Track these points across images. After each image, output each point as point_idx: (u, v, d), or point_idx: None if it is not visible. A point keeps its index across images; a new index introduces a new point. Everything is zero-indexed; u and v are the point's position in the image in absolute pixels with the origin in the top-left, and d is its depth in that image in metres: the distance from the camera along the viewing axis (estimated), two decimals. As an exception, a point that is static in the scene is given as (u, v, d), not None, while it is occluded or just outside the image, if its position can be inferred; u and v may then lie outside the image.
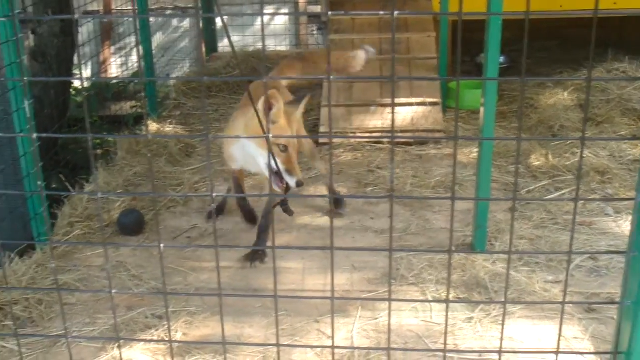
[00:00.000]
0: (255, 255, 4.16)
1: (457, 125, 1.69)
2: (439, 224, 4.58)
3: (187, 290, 3.95)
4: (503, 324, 1.74)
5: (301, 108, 4.05)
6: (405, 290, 3.85)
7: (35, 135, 1.73)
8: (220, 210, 4.76)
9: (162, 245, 1.79)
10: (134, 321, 3.66)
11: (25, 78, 1.58)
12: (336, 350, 3.31)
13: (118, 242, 4.46)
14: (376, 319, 3.62)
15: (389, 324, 1.75)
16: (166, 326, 3.61)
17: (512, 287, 3.79)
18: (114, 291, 1.83)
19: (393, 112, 1.71)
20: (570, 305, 3.66)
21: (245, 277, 4.05)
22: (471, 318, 3.56)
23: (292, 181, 3.77)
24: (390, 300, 1.76)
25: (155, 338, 3.52)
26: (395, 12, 1.55)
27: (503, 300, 1.75)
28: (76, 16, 1.63)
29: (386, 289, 3.88)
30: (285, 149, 3.78)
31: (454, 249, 4.23)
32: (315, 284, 3.97)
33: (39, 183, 3.90)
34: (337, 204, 4.76)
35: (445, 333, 1.71)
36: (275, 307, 1.73)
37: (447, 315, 1.66)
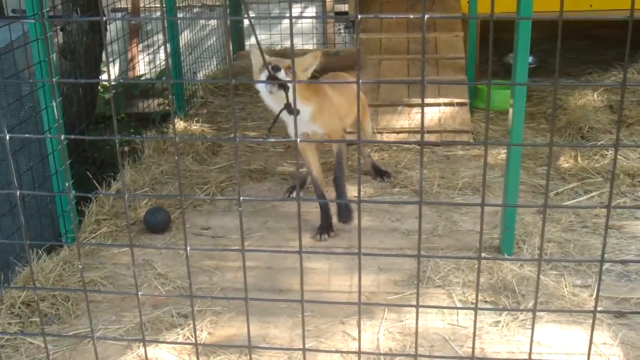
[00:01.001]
0: (345, 212, 4.51)
1: (488, 129, 1.66)
2: (465, 225, 4.55)
3: (212, 290, 3.95)
4: (532, 331, 1.71)
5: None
6: (431, 292, 3.82)
7: (63, 137, 1.72)
8: (302, 186, 5.05)
9: (188, 248, 1.78)
10: (159, 320, 3.67)
11: (55, 79, 1.57)
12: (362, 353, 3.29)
13: (144, 244, 4.47)
14: (402, 321, 3.60)
15: (417, 331, 1.73)
16: (191, 325, 3.62)
17: (540, 291, 3.74)
18: (140, 293, 1.82)
19: (422, 115, 1.69)
20: (593, 317, 3.61)
21: (272, 277, 4.04)
22: (498, 322, 3.52)
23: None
24: (417, 306, 1.74)
25: (180, 337, 3.53)
26: (426, 15, 1.53)
27: (532, 307, 1.72)
28: (105, 18, 1.62)
29: (412, 290, 3.85)
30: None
31: (483, 251, 4.18)
32: (341, 285, 3.95)
33: (67, 184, 3.92)
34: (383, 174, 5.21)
35: (474, 342, 1.68)
36: (302, 311, 1.71)
37: (475, 323, 1.64)
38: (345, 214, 4.50)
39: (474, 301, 3.72)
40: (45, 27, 3.79)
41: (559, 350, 3.32)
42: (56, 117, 1.65)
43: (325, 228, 4.50)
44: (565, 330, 3.48)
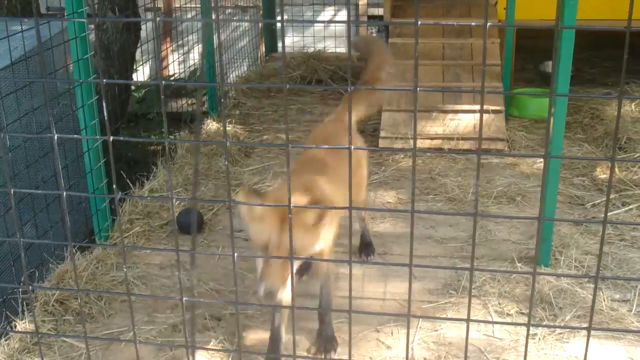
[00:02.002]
0: (329, 345, 3.47)
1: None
2: (500, 234, 4.49)
3: (245, 292, 3.93)
4: (586, 352, 1.67)
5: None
6: (466, 302, 3.76)
7: (111, 139, 1.71)
8: None
9: (235, 254, 1.76)
10: (190, 323, 3.65)
11: (105, 80, 1.55)
12: (397, 362, 3.26)
13: (184, 249, 4.45)
14: (436, 330, 3.55)
15: (466, 345, 1.69)
16: (224, 328, 3.60)
17: (578, 305, 3.68)
18: (185, 298, 1.80)
19: (481, 126, 1.65)
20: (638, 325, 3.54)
21: (304, 283, 4.01)
22: (535, 334, 3.47)
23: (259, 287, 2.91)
24: (468, 320, 1.70)
25: (213, 340, 3.51)
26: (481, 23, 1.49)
27: (569, 320, 1.68)
28: (158, 18, 1.60)
29: (447, 300, 3.81)
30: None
31: (518, 262, 4.13)
32: (374, 292, 3.91)
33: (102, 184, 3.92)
34: (367, 249, 4.28)
35: (525, 357, 1.64)
36: (349, 324, 1.68)
37: (527, 342, 1.59)
38: (328, 347, 3.45)
39: (510, 312, 3.69)
40: (96, 26, 3.79)
41: (597, 366, 3.27)
42: (105, 116, 1.63)
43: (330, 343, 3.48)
44: (603, 345, 3.41)
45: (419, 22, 1.46)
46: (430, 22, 1.89)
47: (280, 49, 8.83)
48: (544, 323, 3.58)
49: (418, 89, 1.48)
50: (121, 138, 1.83)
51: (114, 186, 1.75)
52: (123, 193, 4.89)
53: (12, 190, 1.76)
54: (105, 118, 1.67)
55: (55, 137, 1.70)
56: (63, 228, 4.36)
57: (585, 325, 3.52)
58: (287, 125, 6.37)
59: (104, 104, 1.60)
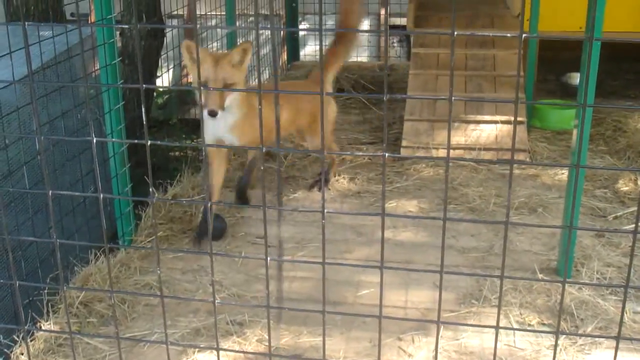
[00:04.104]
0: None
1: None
2: (522, 245, 4.49)
3: (266, 299, 3.94)
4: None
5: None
6: (487, 312, 3.78)
7: (149, 143, 1.74)
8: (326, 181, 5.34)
9: (268, 258, 1.79)
10: (214, 326, 3.68)
11: (144, 86, 1.59)
12: (419, 370, 3.27)
13: (203, 252, 4.49)
14: (458, 339, 3.56)
15: (495, 351, 1.71)
16: (246, 333, 3.63)
17: (599, 317, 3.68)
18: (217, 301, 1.83)
19: (514, 136, 1.67)
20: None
21: (326, 289, 4.02)
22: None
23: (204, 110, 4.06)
24: (497, 327, 1.72)
25: (235, 345, 3.53)
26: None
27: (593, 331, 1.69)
28: (198, 25, 1.63)
29: (468, 309, 3.82)
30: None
31: (539, 273, 4.13)
32: (396, 300, 3.93)
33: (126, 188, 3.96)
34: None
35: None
36: (379, 328, 1.71)
37: (555, 349, 1.61)
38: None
39: (531, 322, 3.69)
40: (121, 33, 3.84)
41: (619, 378, 3.26)
42: (144, 122, 1.66)
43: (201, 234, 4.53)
44: (625, 358, 3.41)
45: (455, 33, 1.49)
46: (467, 33, 1.91)
47: (302, 57, 8.88)
48: (569, 332, 3.58)
49: (453, 98, 1.51)
50: (158, 142, 1.86)
51: (151, 189, 1.79)
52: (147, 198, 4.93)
53: (50, 191, 1.80)
54: (144, 122, 1.70)
55: (94, 140, 1.74)
56: (88, 232, 4.41)
57: (605, 338, 3.52)
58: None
59: (143, 109, 1.64)
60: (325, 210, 1.69)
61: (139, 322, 3.79)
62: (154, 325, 3.75)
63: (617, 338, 1.62)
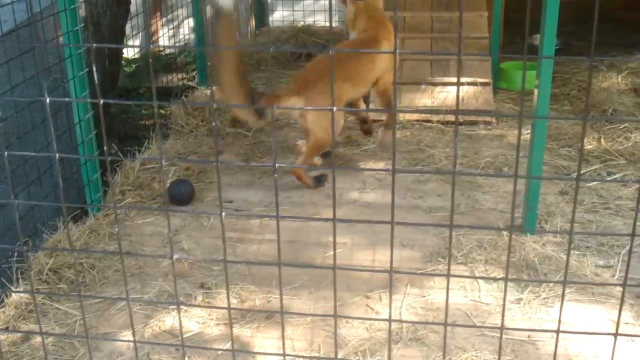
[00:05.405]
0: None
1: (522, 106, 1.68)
2: (487, 204, 4.55)
3: (236, 263, 3.99)
4: (562, 305, 1.73)
5: None
6: (453, 269, 3.83)
7: (102, 102, 1.75)
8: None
9: (223, 214, 1.81)
10: (182, 290, 3.71)
11: (94, 44, 1.59)
12: (385, 326, 3.33)
13: (177, 210, 4.51)
14: (424, 296, 3.63)
15: (447, 300, 1.75)
16: (214, 296, 3.67)
17: (562, 271, 3.76)
18: (175, 256, 1.85)
19: (458, 90, 1.71)
20: (622, 290, 3.62)
21: (294, 250, 4.07)
22: (520, 299, 3.54)
23: None
24: (448, 275, 1.77)
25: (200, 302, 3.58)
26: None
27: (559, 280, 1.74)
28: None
29: (434, 267, 3.88)
30: None
31: (504, 231, 4.20)
32: (363, 260, 3.98)
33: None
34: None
35: (503, 314, 1.71)
36: (334, 278, 1.75)
37: (505, 297, 1.66)
38: None
39: (497, 277, 3.76)
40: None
41: (580, 329, 3.34)
42: (96, 80, 1.67)
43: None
44: (587, 309, 3.49)
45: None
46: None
47: (270, 23, 8.85)
48: (522, 283, 3.66)
49: (397, 52, 1.53)
50: (111, 101, 1.87)
51: (105, 148, 1.80)
52: (115, 165, 4.93)
53: (5, 153, 1.81)
54: (95, 79, 1.71)
55: (48, 101, 1.74)
56: (55, 199, 4.41)
57: (569, 290, 3.61)
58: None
59: (94, 70, 1.64)
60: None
61: (108, 288, 3.81)
62: (124, 290, 3.76)
63: (564, 282, 1.67)
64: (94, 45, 1.60)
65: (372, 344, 3.27)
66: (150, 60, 1.74)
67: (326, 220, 1.78)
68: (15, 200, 1.79)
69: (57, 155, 1.76)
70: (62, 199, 1.77)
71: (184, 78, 8.00)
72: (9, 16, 4.47)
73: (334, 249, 1.55)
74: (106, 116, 6.11)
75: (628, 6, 8.41)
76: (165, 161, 5.03)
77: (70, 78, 4.34)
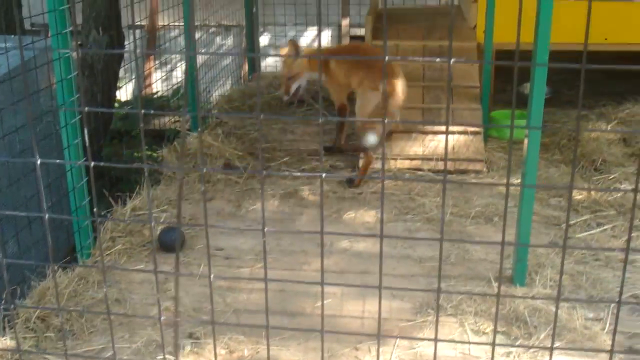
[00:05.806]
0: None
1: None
2: (477, 254, 4.56)
3: (225, 312, 3.97)
4: (551, 369, 1.73)
5: None
6: (443, 321, 3.83)
7: (92, 164, 1.76)
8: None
9: (212, 275, 1.81)
10: (171, 339, 3.69)
11: (87, 109, 1.60)
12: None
13: (168, 272, 4.50)
14: (414, 348, 3.61)
15: (435, 353, 1.75)
16: (203, 347, 3.65)
17: (552, 323, 3.75)
18: (162, 318, 1.85)
19: (447, 141, 1.72)
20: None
21: (283, 300, 4.06)
22: (510, 353, 3.53)
23: None
24: (436, 340, 1.76)
25: (190, 358, 3.55)
26: (452, 61, 1.56)
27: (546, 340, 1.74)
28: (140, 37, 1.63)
29: (424, 318, 3.87)
30: None
31: (494, 282, 4.20)
32: (353, 310, 3.97)
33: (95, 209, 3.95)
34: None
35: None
36: (322, 344, 1.74)
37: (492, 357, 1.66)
38: None
39: (485, 330, 3.75)
40: (76, 45, 3.84)
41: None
42: (86, 142, 1.68)
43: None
44: (576, 363, 3.48)
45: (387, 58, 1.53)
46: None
47: (263, 68, 8.92)
48: (509, 342, 3.65)
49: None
50: (101, 164, 1.88)
51: (94, 209, 1.81)
52: (105, 211, 4.93)
53: (-4, 211, 1.81)
54: (87, 143, 1.72)
55: (39, 162, 1.75)
56: (45, 246, 4.39)
57: (558, 344, 3.59)
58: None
59: (86, 131, 1.66)
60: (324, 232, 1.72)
61: (97, 336, 3.79)
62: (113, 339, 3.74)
63: (551, 348, 1.67)
64: (86, 108, 1.61)
65: (360, 398, 3.25)
66: (142, 111, 1.75)
67: (314, 282, 1.78)
68: (4, 260, 1.79)
69: (47, 216, 1.77)
70: (51, 253, 1.77)
71: (177, 121, 8.04)
72: (2, 61, 4.51)
73: (322, 306, 1.55)
74: (98, 159, 6.14)
75: (616, 56, 8.50)
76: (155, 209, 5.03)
77: (62, 125, 4.35)
